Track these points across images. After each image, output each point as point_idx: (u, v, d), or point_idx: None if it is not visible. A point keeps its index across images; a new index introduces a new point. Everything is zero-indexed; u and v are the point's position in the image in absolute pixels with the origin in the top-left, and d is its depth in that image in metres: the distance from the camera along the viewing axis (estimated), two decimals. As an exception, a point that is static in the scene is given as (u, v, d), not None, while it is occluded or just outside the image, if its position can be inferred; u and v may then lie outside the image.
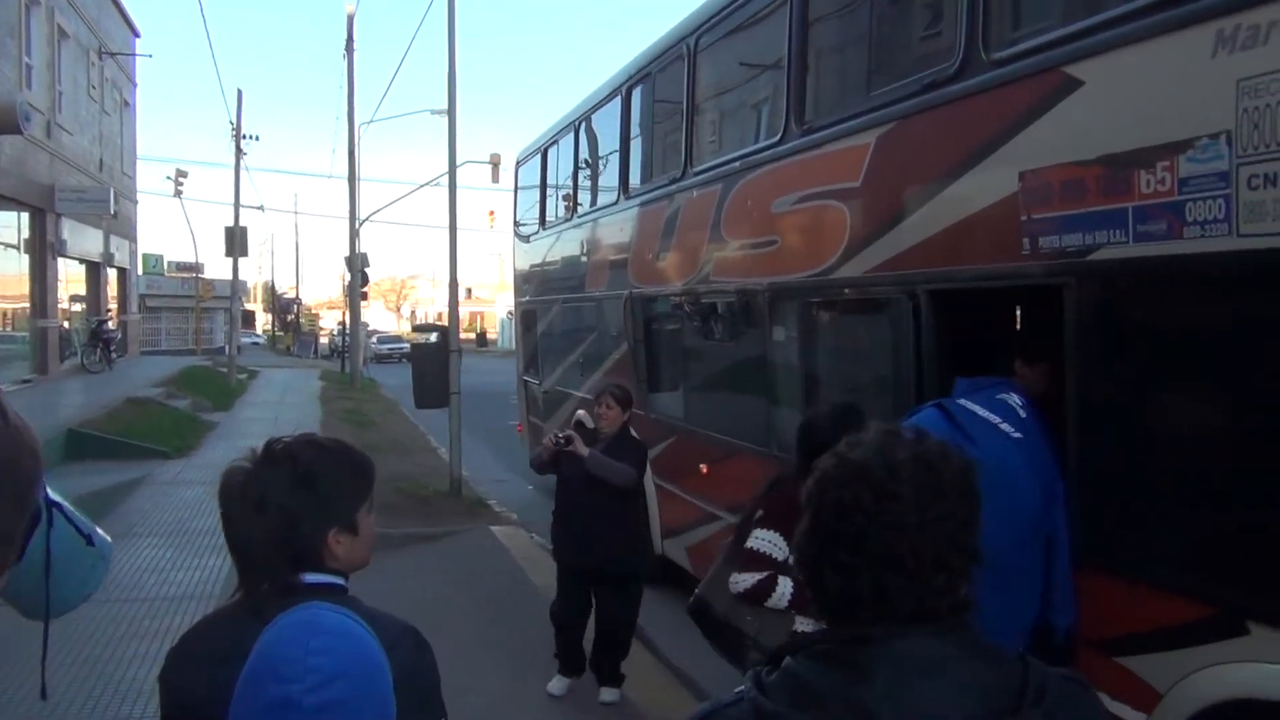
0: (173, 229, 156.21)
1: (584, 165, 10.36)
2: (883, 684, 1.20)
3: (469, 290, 75.50)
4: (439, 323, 11.91)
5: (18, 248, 18.80)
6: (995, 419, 3.61)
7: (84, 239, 22.46)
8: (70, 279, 23.04)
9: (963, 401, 3.70)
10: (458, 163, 11.45)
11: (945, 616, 1.27)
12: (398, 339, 48.46)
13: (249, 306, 68.65)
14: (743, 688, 1.29)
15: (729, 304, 6.69)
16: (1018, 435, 3.60)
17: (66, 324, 22.46)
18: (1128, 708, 3.40)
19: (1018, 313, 4.79)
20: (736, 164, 6.31)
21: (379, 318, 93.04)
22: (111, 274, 26.62)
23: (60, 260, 20.65)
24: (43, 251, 19.48)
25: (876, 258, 4.75)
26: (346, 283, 29.23)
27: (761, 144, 6.04)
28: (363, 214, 26.23)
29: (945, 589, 1.26)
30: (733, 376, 6.83)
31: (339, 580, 1.74)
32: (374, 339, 45.03)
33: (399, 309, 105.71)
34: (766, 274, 5.93)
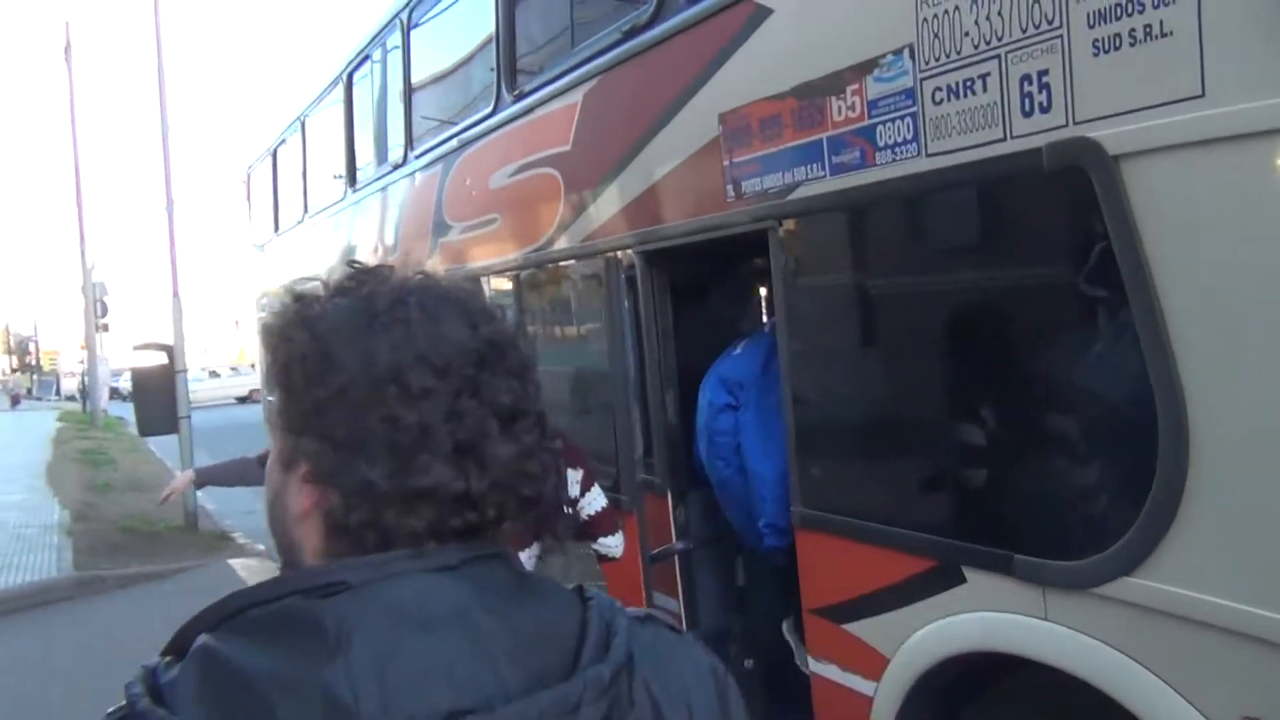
0: None
1: (313, 161, 9.65)
2: (363, 656, 0.77)
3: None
4: (163, 341, 10.84)
5: None
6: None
7: None
8: None
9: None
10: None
11: (468, 542, 0.86)
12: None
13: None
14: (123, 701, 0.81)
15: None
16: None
17: None
18: (858, 678, 3.17)
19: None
20: (454, 141, 5.86)
21: (129, 353, 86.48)
22: None
23: None
24: None
25: (590, 225, 4.42)
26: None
27: (477, 117, 5.61)
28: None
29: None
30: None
31: None
32: (117, 375, 41.87)
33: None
34: (488, 257, 5.52)
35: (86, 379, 34.09)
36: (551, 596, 0.87)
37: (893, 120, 2.82)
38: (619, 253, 4.20)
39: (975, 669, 2.81)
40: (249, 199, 12.66)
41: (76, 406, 34.11)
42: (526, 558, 2.82)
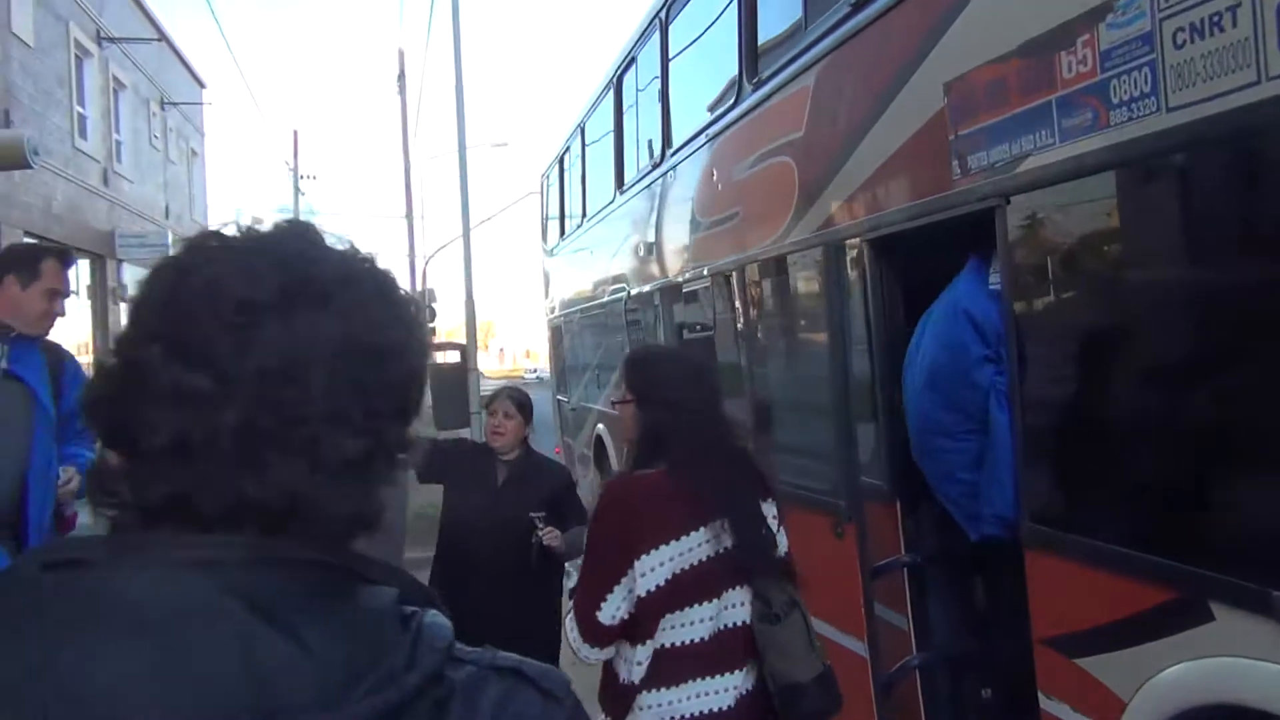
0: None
1: (591, 166, 9.93)
2: (41, 649, 0.65)
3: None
4: (457, 340, 11.62)
5: (77, 293, 19.17)
6: None
7: (150, 285, 22.86)
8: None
9: None
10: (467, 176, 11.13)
11: (245, 524, 0.72)
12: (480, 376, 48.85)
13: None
14: None
15: (706, 292, 6.11)
16: None
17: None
18: (1091, 721, 2.74)
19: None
20: (703, 136, 5.78)
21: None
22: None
23: (123, 305, 21.03)
24: (103, 297, 19.84)
25: (819, 213, 4.17)
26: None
27: (722, 109, 5.49)
28: (433, 251, 26.30)
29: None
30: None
31: None
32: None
33: (486, 347, 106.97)
34: (728, 253, 5.37)
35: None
36: (334, 621, 0.70)
37: (1128, 72, 2.40)
38: (844, 242, 3.93)
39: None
40: (543, 205, 13.29)
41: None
42: (738, 602, 2.53)
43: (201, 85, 29.08)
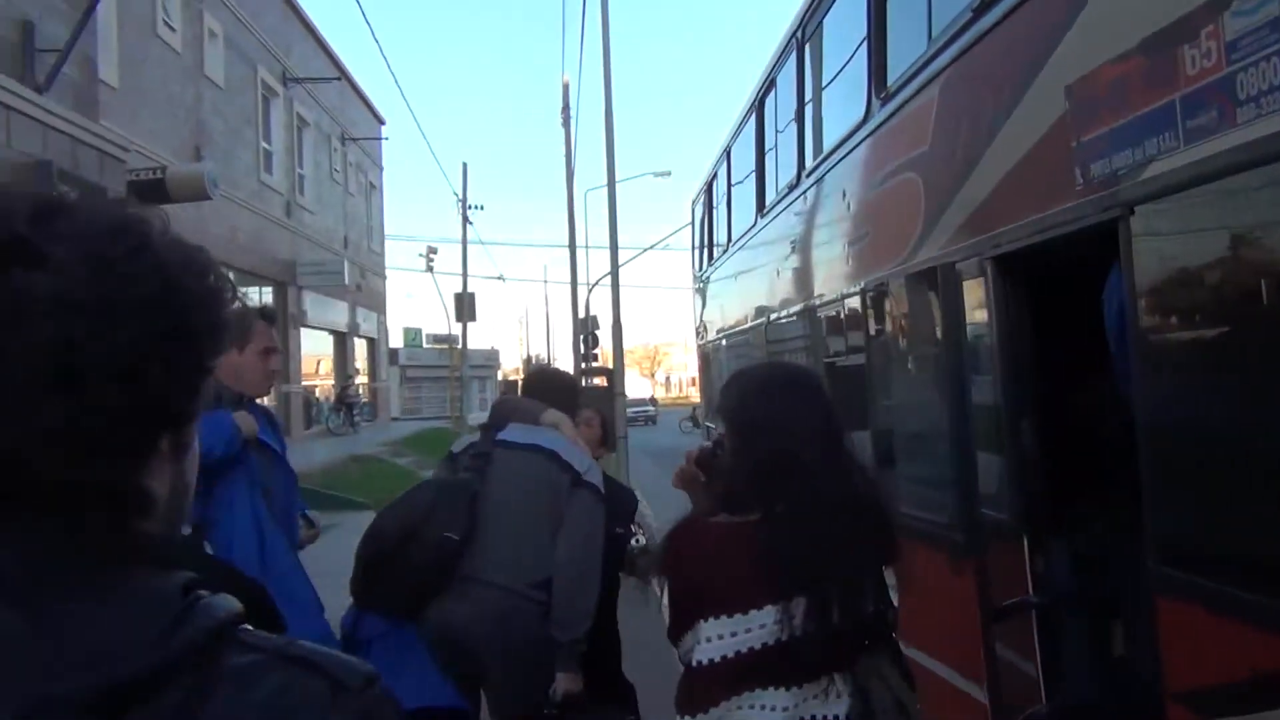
0: (431, 303, 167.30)
1: (737, 191, 9.86)
2: None
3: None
4: (606, 365, 11.73)
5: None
6: None
7: (328, 310, 24.13)
8: (319, 350, 24.81)
9: None
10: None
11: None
12: (643, 401, 49.29)
13: (512, 376, 72.21)
14: None
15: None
16: None
17: (318, 392, 24.13)
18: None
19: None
20: (837, 155, 5.62)
21: (633, 383, 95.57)
22: (360, 343, 28.46)
23: (304, 330, 22.23)
24: (285, 322, 21.01)
25: (944, 231, 3.96)
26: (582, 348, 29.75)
27: (853, 126, 5.33)
28: (606, 280, 26.60)
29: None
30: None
31: None
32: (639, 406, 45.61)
33: (653, 374, 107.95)
34: (858, 276, 5.19)
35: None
36: (88, 598, 0.66)
37: (1257, 64, 2.16)
38: (966, 261, 3.71)
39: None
40: (692, 232, 13.31)
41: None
42: (834, 693, 2.05)
43: (381, 121, 30.58)
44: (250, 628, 0.72)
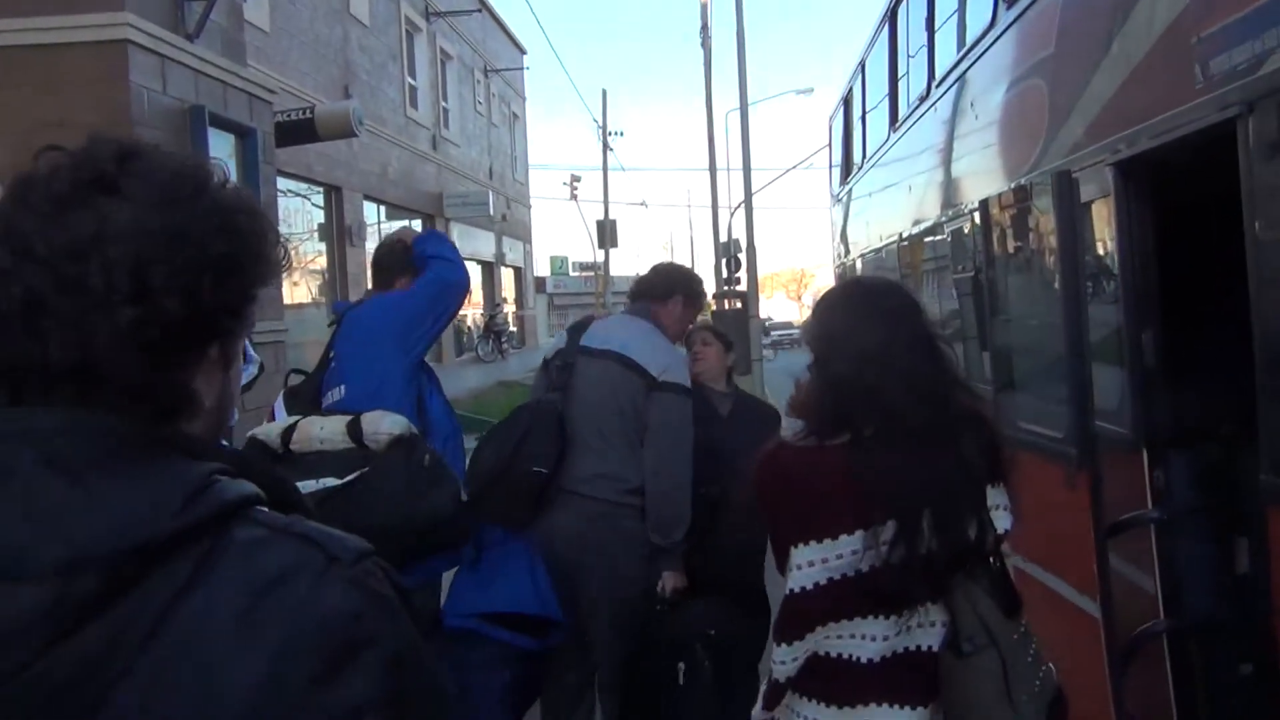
0: (577, 231, 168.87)
1: (872, 104, 9.60)
2: None
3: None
4: (741, 289, 11.70)
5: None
6: None
7: (475, 241, 24.80)
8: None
9: None
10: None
11: (51, 393, 0.82)
12: (788, 325, 48.94)
13: (656, 303, 72.47)
14: None
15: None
16: None
17: (467, 320, 24.95)
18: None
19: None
20: (964, 65, 5.44)
21: (780, 308, 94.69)
22: (507, 273, 29.16)
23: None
24: (434, 253, 21.71)
25: (1066, 139, 3.83)
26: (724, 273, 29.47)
27: (979, 32, 5.14)
28: (747, 202, 26.40)
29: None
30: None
31: None
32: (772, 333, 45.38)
33: (800, 298, 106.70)
34: (982, 190, 5.04)
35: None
36: (124, 477, 0.78)
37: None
38: (1086, 168, 3.59)
39: None
40: (830, 150, 13.04)
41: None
42: (933, 621, 2.01)
43: (522, 51, 30.84)
44: (266, 509, 0.84)
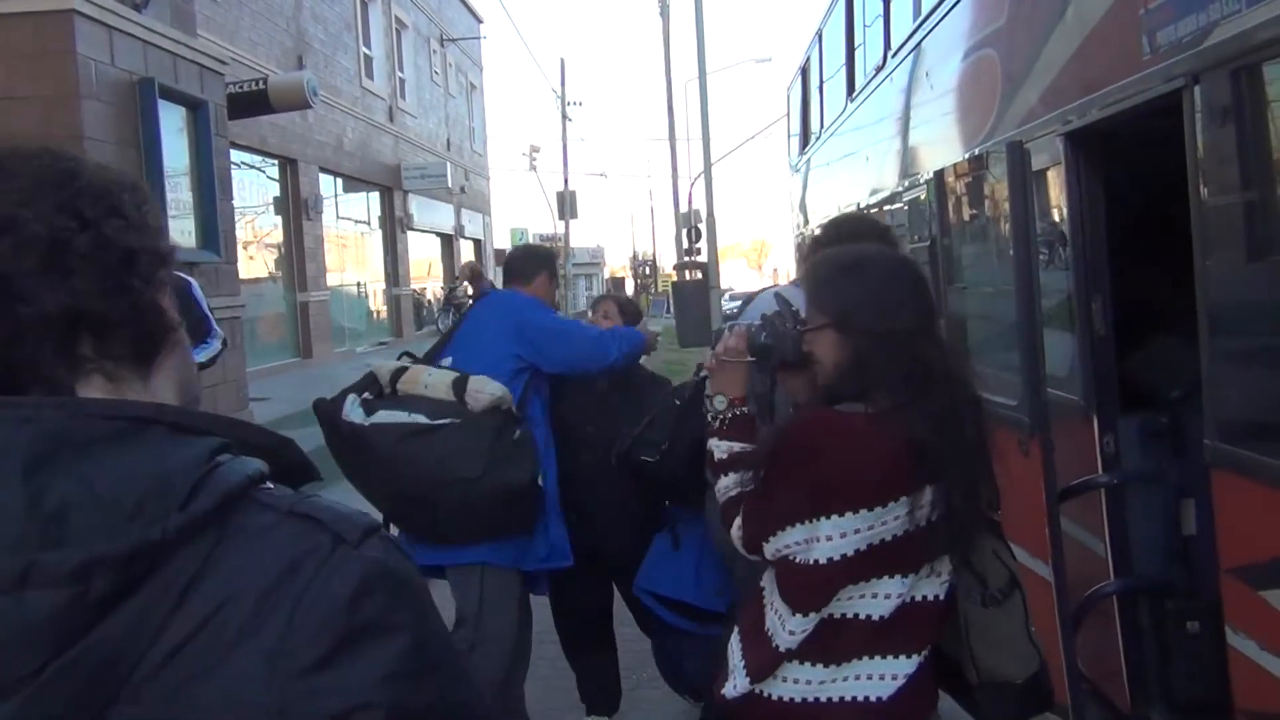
0: (537, 202, 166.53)
1: (829, 74, 9.61)
2: None
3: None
4: (701, 260, 11.71)
5: (368, 224, 20.91)
6: None
7: (434, 213, 24.57)
8: (427, 253, 25.33)
9: None
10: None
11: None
12: (748, 295, 49.16)
13: (619, 274, 72.41)
14: None
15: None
16: None
17: (426, 292, 24.78)
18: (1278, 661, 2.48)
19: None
20: (920, 33, 5.46)
21: (741, 277, 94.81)
22: (467, 245, 28.95)
23: (411, 234, 22.73)
24: (392, 226, 21.54)
25: (1017, 110, 3.87)
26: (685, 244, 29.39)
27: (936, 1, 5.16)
28: (706, 172, 26.29)
29: None
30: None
31: None
32: (725, 295, 45.56)
33: (760, 267, 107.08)
34: (935, 160, 5.08)
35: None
36: (124, 464, 0.76)
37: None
38: (1039, 139, 3.63)
39: None
40: (788, 120, 13.05)
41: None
42: (938, 572, 2.02)
43: (478, 20, 30.47)
44: (270, 487, 0.82)
